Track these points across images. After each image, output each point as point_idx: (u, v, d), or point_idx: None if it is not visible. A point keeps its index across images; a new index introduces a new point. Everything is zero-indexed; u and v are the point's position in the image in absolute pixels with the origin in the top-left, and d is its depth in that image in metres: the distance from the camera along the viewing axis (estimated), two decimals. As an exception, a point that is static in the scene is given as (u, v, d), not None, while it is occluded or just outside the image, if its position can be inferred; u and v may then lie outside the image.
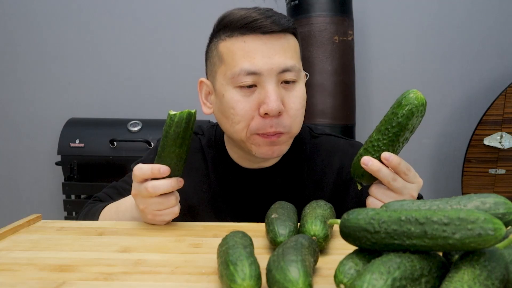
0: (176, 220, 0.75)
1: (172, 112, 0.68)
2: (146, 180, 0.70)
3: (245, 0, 2.15)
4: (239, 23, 0.76)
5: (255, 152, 0.81)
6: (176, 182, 0.71)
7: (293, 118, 0.79)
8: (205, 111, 0.87)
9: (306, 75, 0.86)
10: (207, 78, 0.86)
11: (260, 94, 0.76)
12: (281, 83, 0.77)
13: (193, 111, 0.68)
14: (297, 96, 0.79)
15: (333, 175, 0.91)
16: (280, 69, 0.76)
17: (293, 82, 0.79)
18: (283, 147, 0.82)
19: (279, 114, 0.76)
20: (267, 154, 0.80)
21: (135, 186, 0.72)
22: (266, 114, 0.75)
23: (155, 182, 0.69)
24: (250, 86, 0.76)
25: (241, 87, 0.76)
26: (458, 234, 0.37)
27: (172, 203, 0.72)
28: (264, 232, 0.62)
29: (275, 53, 0.76)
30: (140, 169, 0.69)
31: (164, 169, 0.69)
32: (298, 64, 0.80)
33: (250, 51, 0.75)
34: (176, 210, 0.73)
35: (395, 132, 0.65)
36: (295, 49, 0.80)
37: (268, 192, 0.89)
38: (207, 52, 0.85)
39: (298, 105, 0.79)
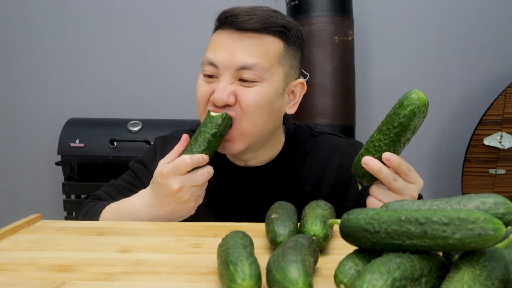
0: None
1: (214, 114, 0.77)
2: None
3: (245, 1, 2.15)
4: (220, 17, 0.81)
5: None
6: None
7: (246, 114, 0.78)
8: None
9: (306, 75, 0.86)
10: None
11: (215, 84, 0.80)
12: (240, 80, 0.79)
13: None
14: (253, 94, 0.78)
15: (333, 174, 0.90)
16: (237, 67, 0.77)
17: (253, 81, 0.78)
18: (236, 145, 0.81)
19: (228, 106, 0.78)
20: (221, 147, 0.82)
21: (180, 180, 0.72)
22: (214, 103, 0.79)
23: (209, 168, 0.75)
24: (211, 76, 0.81)
25: (205, 74, 0.81)
26: (458, 234, 0.37)
27: (206, 184, 0.77)
28: (264, 232, 0.62)
29: (238, 50, 0.78)
30: (189, 160, 0.72)
31: (206, 156, 0.75)
32: (266, 65, 0.78)
33: (218, 44, 0.80)
34: (202, 195, 0.78)
35: (397, 133, 0.65)
36: (269, 50, 0.79)
37: (267, 190, 0.89)
38: None
39: (252, 103, 0.78)
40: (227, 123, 0.77)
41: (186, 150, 0.75)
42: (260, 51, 0.78)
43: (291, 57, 0.83)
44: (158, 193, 0.74)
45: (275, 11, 0.82)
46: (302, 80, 0.88)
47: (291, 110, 0.87)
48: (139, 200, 0.79)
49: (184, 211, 0.76)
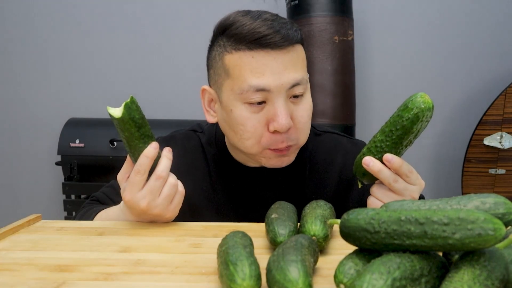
0: (176, 220, 0.75)
1: (113, 111, 0.66)
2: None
3: (244, 0, 2.15)
4: (247, 38, 0.73)
5: (264, 163, 0.82)
6: (167, 152, 0.71)
7: (300, 131, 0.79)
8: (210, 120, 0.86)
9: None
10: (210, 85, 0.84)
11: (269, 111, 0.75)
12: (290, 97, 0.77)
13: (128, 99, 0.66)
14: (304, 109, 0.79)
15: (336, 173, 0.90)
16: (289, 85, 0.75)
17: (302, 95, 0.78)
18: (292, 157, 0.83)
19: (288, 129, 0.76)
20: (276, 164, 0.81)
21: (142, 195, 0.68)
22: (275, 131, 0.75)
23: (158, 167, 0.69)
24: (259, 103, 0.75)
25: (250, 103, 0.75)
26: (458, 234, 0.37)
27: (173, 182, 0.71)
28: (264, 232, 0.62)
29: (285, 69, 0.74)
30: (142, 164, 0.68)
31: (154, 145, 0.68)
32: (306, 76, 0.79)
33: (258, 67, 0.74)
34: (181, 188, 0.73)
35: (399, 135, 0.64)
36: (303, 60, 0.79)
37: (270, 190, 0.89)
38: (208, 59, 0.83)
39: (306, 118, 0.79)
40: (131, 106, 0.66)
41: (133, 157, 0.70)
42: (300, 63, 0.77)
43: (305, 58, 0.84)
44: (132, 211, 0.73)
45: (277, 15, 0.79)
46: None
47: None
48: (122, 213, 0.77)
49: (167, 217, 0.73)
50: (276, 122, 0.74)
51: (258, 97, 0.74)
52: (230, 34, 0.75)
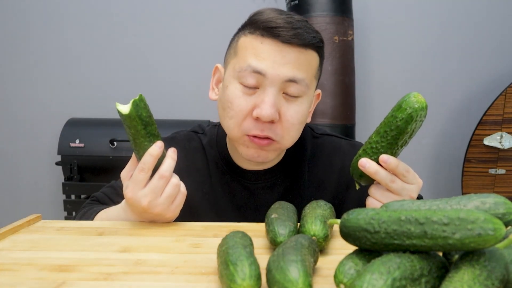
0: (176, 220, 0.75)
1: (122, 108, 0.67)
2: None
3: (245, 0, 2.16)
4: (262, 24, 0.76)
5: (241, 152, 0.82)
6: (172, 153, 0.71)
7: (287, 131, 0.78)
8: (211, 97, 0.87)
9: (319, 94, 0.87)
10: (223, 65, 0.87)
11: (258, 96, 0.76)
12: (284, 93, 0.77)
13: (137, 97, 0.67)
14: (296, 111, 0.78)
15: (335, 175, 0.91)
16: (286, 78, 0.75)
17: (296, 96, 0.78)
18: (270, 155, 0.82)
19: (272, 121, 0.76)
20: (252, 156, 0.81)
21: (144, 194, 0.68)
22: (258, 118, 0.75)
23: (162, 167, 0.69)
24: (252, 87, 0.76)
25: (244, 84, 0.77)
26: (458, 234, 0.37)
27: (176, 182, 0.71)
28: (264, 232, 0.62)
29: (287, 62, 0.75)
30: (146, 162, 0.68)
31: (158, 144, 0.68)
32: (309, 80, 0.78)
33: (262, 53, 0.75)
34: (183, 188, 0.73)
35: (394, 136, 0.64)
36: (311, 65, 0.79)
37: (270, 192, 0.89)
38: (230, 42, 0.86)
39: (295, 120, 0.78)
40: (139, 104, 0.66)
41: (138, 155, 0.70)
42: (305, 66, 0.77)
43: (320, 70, 0.83)
44: (133, 210, 0.73)
45: (306, 21, 0.79)
46: (319, 91, 0.88)
47: (308, 119, 0.87)
48: (123, 212, 0.77)
49: (167, 217, 0.73)
50: (260, 109, 0.75)
51: (253, 79, 0.75)
52: (252, 20, 0.79)
